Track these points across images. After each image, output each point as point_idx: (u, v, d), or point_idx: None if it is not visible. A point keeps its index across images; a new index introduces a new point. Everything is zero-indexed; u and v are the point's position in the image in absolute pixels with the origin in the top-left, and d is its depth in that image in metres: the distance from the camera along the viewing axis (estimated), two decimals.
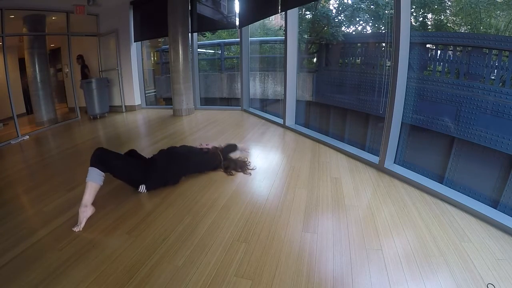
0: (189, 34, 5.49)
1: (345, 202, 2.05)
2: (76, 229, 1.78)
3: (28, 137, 4.40)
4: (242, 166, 2.67)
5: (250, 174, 2.60)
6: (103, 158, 2.03)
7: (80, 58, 6.11)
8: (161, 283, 1.35)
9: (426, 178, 2.30)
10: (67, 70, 6.10)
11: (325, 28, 5.55)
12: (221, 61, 7.12)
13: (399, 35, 2.25)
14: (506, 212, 1.78)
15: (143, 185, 2.26)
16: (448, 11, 4.18)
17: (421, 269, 1.40)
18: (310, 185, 2.32)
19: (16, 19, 4.89)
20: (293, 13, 3.83)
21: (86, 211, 1.86)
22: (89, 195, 1.90)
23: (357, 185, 2.31)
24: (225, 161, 2.70)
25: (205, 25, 5.95)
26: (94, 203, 1.95)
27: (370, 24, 5.38)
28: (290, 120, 4.16)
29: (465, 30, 3.78)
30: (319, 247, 1.58)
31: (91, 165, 1.97)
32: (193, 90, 5.65)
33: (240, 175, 2.57)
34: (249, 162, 2.77)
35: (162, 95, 7.47)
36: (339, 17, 5.57)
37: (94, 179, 1.93)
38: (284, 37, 3.93)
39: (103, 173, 1.98)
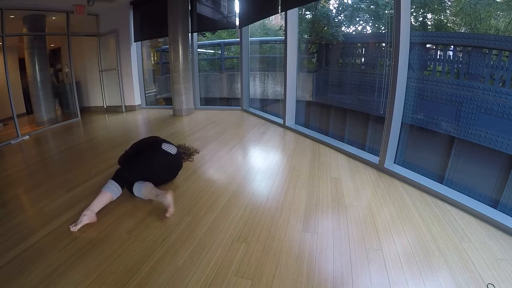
0: (189, 34, 5.49)
1: (345, 202, 2.05)
2: (72, 228, 1.78)
3: (28, 137, 4.40)
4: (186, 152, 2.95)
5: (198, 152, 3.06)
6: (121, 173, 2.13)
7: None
8: (161, 283, 1.35)
9: (426, 178, 2.30)
10: (67, 70, 6.10)
11: (325, 28, 5.55)
12: (221, 61, 7.11)
13: (399, 35, 2.25)
14: (506, 212, 1.78)
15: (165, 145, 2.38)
16: (448, 11, 4.18)
17: (421, 269, 1.40)
18: (310, 185, 2.32)
19: (16, 19, 4.89)
20: (293, 13, 3.83)
21: (88, 215, 1.84)
22: (98, 202, 1.92)
23: (357, 185, 2.31)
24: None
25: (205, 25, 5.94)
26: None
27: (370, 24, 5.37)
28: (290, 120, 4.16)
29: (465, 30, 3.78)
30: (319, 247, 1.58)
31: (111, 178, 2.08)
32: (193, 90, 5.65)
33: (240, 175, 2.57)
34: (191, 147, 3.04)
35: (162, 95, 7.47)
36: (339, 17, 5.57)
37: (109, 189, 1.99)
38: (284, 37, 3.93)
39: (120, 187, 2.05)
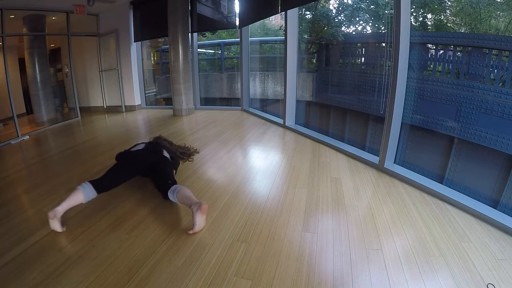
0: (189, 34, 5.49)
1: (345, 202, 2.05)
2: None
3: (28, 137, 4.40)
4: (186, 152, 2.98)
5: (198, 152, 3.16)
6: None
7: None
8: (161, 283, 1.35)
9: (426, 178, 2.30)
10: (67, 70, 6.10)
11: (325, 28, 5.55)
12: (221, 61, 7.11)
13: (399, 35, 2.25)
14: (506, 212, 1.78)
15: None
16: (448, 11, 4.18)
17: (421, 269, 1.40)
18: (310, 185, 2.32)
19: (16, 19, 4.89)
20: (293, 13, 3.83)
21: (54, 218, 1.72)
22: (69, 201, 1.80)
23: (357, 185, 2.31)
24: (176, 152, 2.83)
25: (205, 25, 5.95)
26: (96, 203, 1.96)
27: (370, 24, 5.37)
28: (290, 120, 4.16)
29: (465, 30, 3.78)
30: (319, 247, 1.58)
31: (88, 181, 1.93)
32: (193, 90, 5.65)
33: (240, 175, 2.57)
34: (190, 147, 3.14)
35: (162, 95, 7.47)
36: (339, 17, 5.57)
37: (83, 188, 1.86)
38: (284, 37, 3.93)
39: (95, 190, 1.90)
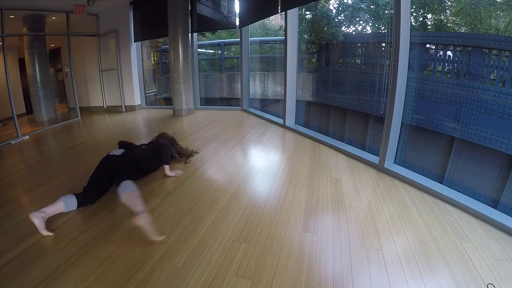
0: (189, 34, 5.49)
1: (345, 202, 2.05)
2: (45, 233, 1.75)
3: (28, 137, 4.40)
4: (184, 154, 3.05)
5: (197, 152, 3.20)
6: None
7: None
8: (161, 283, 1.35)
9: (426, 178, 2.30)
10: (67, 70, 6.10)
11: (325, 28, 5.55)
12: (221, 61, 7.12)
13: (399, 35, 2.25)
14: (506, 212, 1.78)
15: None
16: (448, 11, 4.18)
17: (421, 269, 1.40)
18: (310, 185, 2.32)
19: (16, 19, 4.89)
20: (293, 13, 3.83)
21: (38, 218, 1.73)
22: (50, 207, 1.82)
23: (357, 185, 2.31)
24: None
25: (205, 25, 5.95)
26: (96, 204, 1.97)
27: (370, 24, 5.37)
28: (290, 120, 4.16)
29: (465, 30, 3.78)
30: (319, 247, 1.58)
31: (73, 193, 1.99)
32: (193, 90, 5.65)
33: (240, 175, 2.57)
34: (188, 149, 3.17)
35: (162, 95, 7.48)
36: (339, 17, 5.58)
37: (64, 198, 1.91)
38: (284, 37, 3.93)
39: (76, 203, 1.95)
